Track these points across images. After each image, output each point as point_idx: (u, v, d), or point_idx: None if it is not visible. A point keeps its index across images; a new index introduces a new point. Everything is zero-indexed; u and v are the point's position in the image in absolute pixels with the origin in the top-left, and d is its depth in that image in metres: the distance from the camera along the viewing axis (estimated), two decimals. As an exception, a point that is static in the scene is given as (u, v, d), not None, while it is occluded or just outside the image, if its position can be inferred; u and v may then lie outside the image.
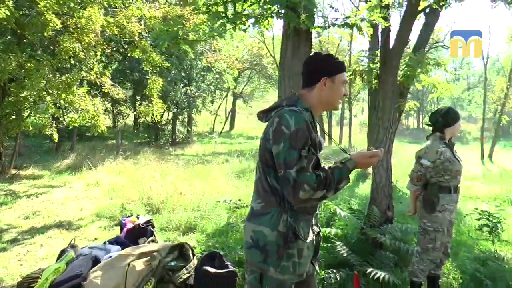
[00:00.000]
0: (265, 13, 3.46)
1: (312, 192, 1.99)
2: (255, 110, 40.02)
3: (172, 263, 3.58)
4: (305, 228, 2.19)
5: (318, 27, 3.62)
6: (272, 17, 3.55)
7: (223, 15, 3.46)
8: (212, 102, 24.96)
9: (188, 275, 3.57)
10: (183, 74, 20.08)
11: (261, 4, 3.48)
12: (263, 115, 2.28)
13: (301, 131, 2.03)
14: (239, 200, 6.18)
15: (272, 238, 2.10)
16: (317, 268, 2.43)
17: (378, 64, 5.22)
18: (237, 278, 3.73)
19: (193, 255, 3.81)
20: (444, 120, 3.76)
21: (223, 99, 30.82)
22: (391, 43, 5.21)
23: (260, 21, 3.59)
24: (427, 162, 3.67)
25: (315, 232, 2.31)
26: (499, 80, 21.99)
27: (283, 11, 3.49)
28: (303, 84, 2.29)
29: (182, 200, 7.06)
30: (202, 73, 21.48)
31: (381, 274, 3.76)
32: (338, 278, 3.82)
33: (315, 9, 3.41)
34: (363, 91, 23.85)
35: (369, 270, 3.84)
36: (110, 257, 3.62)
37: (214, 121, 29.87)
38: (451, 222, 3.90)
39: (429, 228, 3.74)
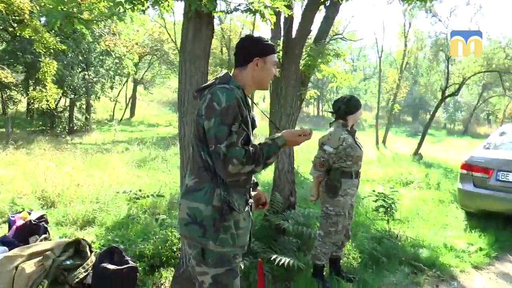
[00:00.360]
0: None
1: (241, 166, 2.07)
2: (156, 97, 39.01)
3: (68, 262, 3.31)
4: (239, 200, 2.25)
5: (221, 11, 3.53)
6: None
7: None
8: (111, 88, 23.85)
9: (85, 274, 3.33)
10: (80, 58, 19.01)
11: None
12: (198, 93, 2.34)
13: (232, 107, 2.11)
14: (140, 190, 5.92)
15: (207, 213, 2.17)
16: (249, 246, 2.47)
17: (281, 53, 5.26)
18: (138, 273, 3.57)
19: (91, 251, 3.57)
20: (346, 107, 3.88)
21: (123, 85, 29.65)
22: (294, 32, 5.28)
23: (160, 2, 3.43)
24: (330, 148, 3.76)
25: (250, 204, 2.37)
26: (391, 72, 23.52)
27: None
28: (235, 64, 2.36)
29: (79, 192, 6.62)
30: (101, 57, 20.44)
31: (285, 259, 3.80)
32: (242, 267, 3.80)
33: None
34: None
35: (273, 256, 3.86)
36: (-4, 258, 3.27)
37: (114, 108, 28.64)
38: (352, 205, 4.06)
39: (331, 212, 3.84)
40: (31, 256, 3.22)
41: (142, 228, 5.11)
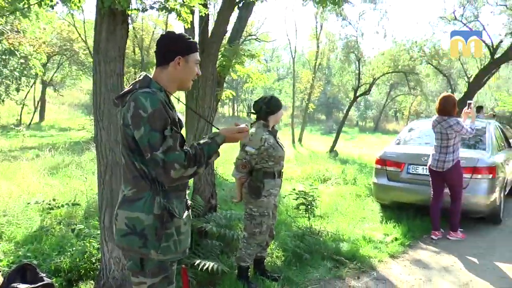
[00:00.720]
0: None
1: (184, 170, 2.03)
2: (67, 100, 36.96)
3: None
4: (179, 206, 2.21)
5: (135, 9, 3.39)
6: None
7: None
8: (17, 90, 22.29)
9: None
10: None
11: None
12: (119, 100, 2.20)
13: (158, 111, 2.03)
14: (53, 199, 5.51)
15: (149, 222, 2.10)
16: None
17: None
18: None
19: None
20: (267, 108, 3.86)
21: (31, 87, 27.80)
22: (209, 32, 5.22)
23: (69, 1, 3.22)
24: (252, 149, 3.72)
25: (189, 206, 2.34)
26: (305, 73, 24.14)
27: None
28: (156, 63, 2.25)
29: None
30: (4, 56, 19.03)
31: (209, 264, 3.72)
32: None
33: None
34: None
35: (197, 261, 3.77)
36: None
37: (21, 111, 26.76)
38: (275, 205, 4.06)
39: (255, 213, 3.82)
40: None
41: (57, 241, 4.74)
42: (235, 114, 48.09)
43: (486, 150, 6.80)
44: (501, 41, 14.76)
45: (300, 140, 21.67)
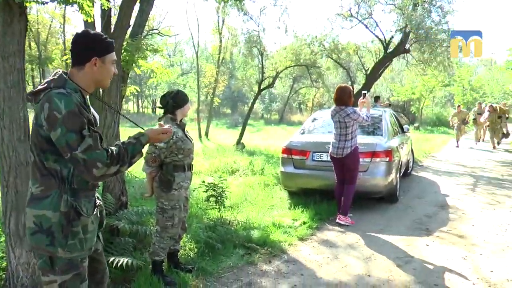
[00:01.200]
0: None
1: (106, 168, 2.09)
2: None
3: None
4: (87, 204, 2.24)
5: (34, 1, 3.25)
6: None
7: None
8: None
9: None
10: None
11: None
12: (32, 96, 2.19)
13: (73, 112, 2.05)
14: None
15: (55, 220, 2.12)
16: (101, 239, 2.50)
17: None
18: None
19: None
20: (174, 102, 3.90)
21: None
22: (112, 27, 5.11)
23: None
24: (161, 143, 3.74)
25: (98, 206, 2.37)
26: (209, 67, 24.16)
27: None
28: (72, 62, 2.25)
29: None
30: None
31: (123, 260, 3.71)
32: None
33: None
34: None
35: (111, 259, 3.73)
36: None
37: None
38: (186, 198, 4.12)
39: (166, 206, 3.85)
40: None
41: None
42: (140, 110, 46.96)
43: (383, 136, 7.40)
44: (392, 37, 15.91)
45: (206, 134, 21.69)
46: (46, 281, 2.19)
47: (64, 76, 2.18)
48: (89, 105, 2.26)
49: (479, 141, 17.95)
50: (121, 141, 2.23)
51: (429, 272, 4.40)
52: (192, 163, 4.05)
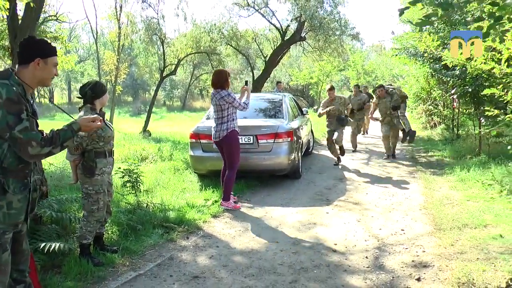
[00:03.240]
0: None
1: (40, 148, 2.48)
2: None
3: None
4: (14, 183, 2.54)
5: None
6: None
7: None
8: None
9: None
10: None
11: None
12: None
13: (13, 99, 2.42)
14: None
15: None
16: (27, 223, 2.80)
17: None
18: None
19: None
20: (93, 92, 4.16)
21: None
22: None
23: None
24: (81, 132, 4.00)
25: (31, 189, 2.68)
26: (108, 54, 23.53)
27: None
28: (19, 61, 2.61)
29: None
30: None
31: (54, 244, 3.95)
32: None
33: None
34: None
35: (42, 244, 3.96)
36: None
37: None
38: (109, 183, 4.42)
39: (91, 191, 4.13)
40: None
41: None
42: (36, 100, 44.35)
43: (284, 118, 8.06)
44: (289, 26, 16.73)
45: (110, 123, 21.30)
46: None
47: (10, 71, 2.55)
48: (29, 99, 2.59)
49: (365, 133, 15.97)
50: (57, 129, 2.63)
51: (330, 234, 5.14)
52: (113, 149, 4.35)
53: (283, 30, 16.80)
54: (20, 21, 4.87)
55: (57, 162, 8.05)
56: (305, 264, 4.26)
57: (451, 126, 13.55)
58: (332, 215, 5.90)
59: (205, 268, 4.21)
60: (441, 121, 15.41)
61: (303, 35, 15.99)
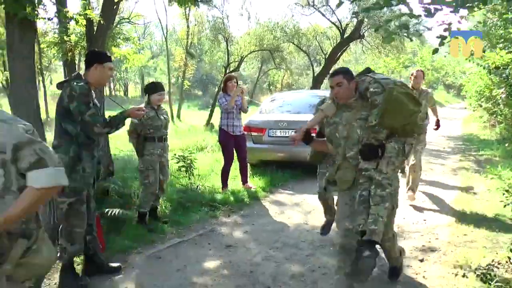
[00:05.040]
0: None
1: (102, 128, 3.51)
2: None
3: None
4: (86, 154, 3.54)
5: (43, 18, 4.30)
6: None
7: None
8: None
9: None
10: None
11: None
12: (60, 85, 3.55)
13: (83, 93, 3.40)
14: None
15: (65, 160, 3.35)
16: (94, 187, 3.84)
17: (71, 37, 6.03)
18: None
19: None
20: (145, 90, 5.22)
21: None
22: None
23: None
24: (135, 120, 4.90)
25: (96, 160, 3.73)
26: (178, 51, 24.87)
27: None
28: (85, 66, 3.59)
29: None
30: None
31: (116, 210, 4.87)
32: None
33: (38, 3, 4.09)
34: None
35: (106, 210, 4.88)
36: None
37: None
38: (164, 164, 5.27)
39: (142, 168, 5.08)
40: None
41: None
42: (113, 93, 47.22)
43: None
44: (347, 24, 17.06)
45: (178, 116, 22.59)
46: (59, 201, 3.53)
47: (80, 74, 3.52)
48: (92, 94, 3.56)
49: None
50: (112, 115, 3.64)
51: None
52: (164, 136, 5.21)
53: (343, 28, 17.16)
54: (95, 31, 5.78)
55: (126, 149, 9.11)
56: (325, 242, 4.84)
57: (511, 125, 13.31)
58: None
59: (238, 240, 4.95)
60: (502, 120, 15.11)
61: (362, 32, 16.27)
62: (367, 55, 21.47)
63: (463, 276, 3.86)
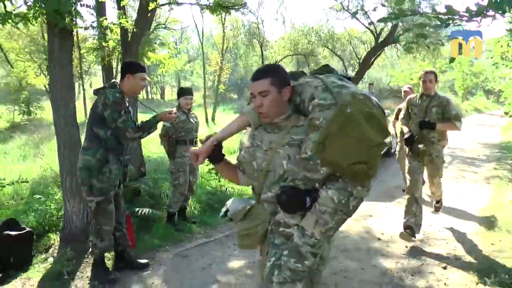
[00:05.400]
0: (35, 14, 4.21)
1: (134, 133, 3.72)
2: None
3: None
4: (113, 157, 3.76)
5: (80, 27, 4.57)
6: (39, 17, 4.33)
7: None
8: None
9: None
10: None
11: (31, 8, 4.19)
12: (95, 92, 3.81)
13: (117, 102, 3.63)
14: (4, 179, 6.37)
15: (93, 162, 3.66)
16: (121, 188, 4.02)
17: (109, 43, 6.30)
18: (34, 236, 4.51)
19: None
20: (177, 94, 5.41)
21: None
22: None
23: (30, 21, 4.32)
24: (168, 124, 5.11)
25: (121, 161, 3.92)
26: (214, 55, 25.23)
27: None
28: (120, 77, 3.83)
29: None
30: None
31: (146, 210, 5.09)
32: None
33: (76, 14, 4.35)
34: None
35: (136, 209, 5.11)
36: None
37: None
38: (194, 167, 5.46)
39: (173, 170, 5.26)
40: None
41: (9, 212, 5.56)
42: (149, 96, 48.19)
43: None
44: (382, 29, 16.91)
45: (213, 119, 22.88)
46: (88, 200, 3.77)
47: (116, 83, 3.74)
48: (125, 102, 3.78)
49: None
50: (144, 121, 3.81)
51: (380, 225, 5.69)
52: (195, 139, 5.39)
53: (377, 32, 17.05)
54: (129, 38, 6.04)
55: (158, 151, 9.39)
56: (348, 246, 4.92)
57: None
58: (390, 210, 6.41)
59: (263, 241, 5.07)
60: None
61: (396, 37, 16.09)
62: (402, 60, 21.20)
63: (485, 284, 3.85)
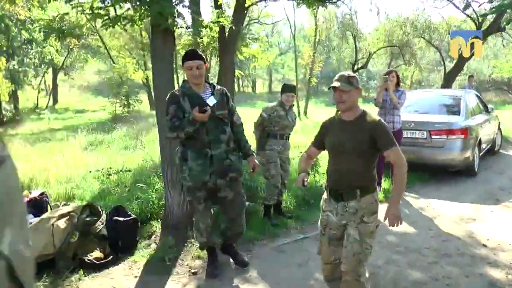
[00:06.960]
0: (140, 16, 4.45)
1: (170, 133, 3.66)
2: (77, 83, 37.62)
3: (88, 219, 4.39)
4: (193, 154, 3.67)
5: (181, 26, 4.74)
6: (144, 19, 4.56)
7: (107, 17, 4.35)
8: (35, 76, 23.61)
9: (102, 226, 4.42)
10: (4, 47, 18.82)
11: (137, 11, 4.43)
12: None
13: (168, 98, 3.72)
14: (110, 168, 6.94)
15: (177, 161, 3.80)
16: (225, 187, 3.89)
17: (204, 39, 6.46)
18: (139, 223, 4.78)
19: (102, 210, 4.64)
20: (280, 90, 5.35)
21: (45, 72, 28.94)
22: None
23: (136, 23, 4.58)
24: (265, 114, 5.15)
25: (207, 156, 3.70)
26: (306, 48, 25.08)
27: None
28: None
29: (51, 175, 7.25)
30: (24, 46, 20.33)
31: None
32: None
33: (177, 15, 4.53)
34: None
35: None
36: (31, 222, 4.19)
37: (38, 96, 28.05)
38: (284, 160, 5.48)
39: (264, 161, 5.26)
40: (60, 217, 4.21)
41: (115, 199, 5.96)
42: (241, 89, 49.21)
43: (460, 115, 8.04)
44: (485, 15, 15.71)
45: (305, 112, 22.80)
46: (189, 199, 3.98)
47: (185, 82, 3.80)
48: (192, 93, 3.71)
49: None
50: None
51: (485, 231, 5.27)
52: (286, 134, 5.41)
53: (479, 20, 15.88)
54: (227, 35, 6.17)
55: (252, 146, 9.52)
56: (450, 251, 4.63)
57: None
58: (496, 214, 5.92)
59: (360, 240, 4.94)
60: None
61: (502, 25, 14.87)
62: (509, 49, 19.65)
63: None
